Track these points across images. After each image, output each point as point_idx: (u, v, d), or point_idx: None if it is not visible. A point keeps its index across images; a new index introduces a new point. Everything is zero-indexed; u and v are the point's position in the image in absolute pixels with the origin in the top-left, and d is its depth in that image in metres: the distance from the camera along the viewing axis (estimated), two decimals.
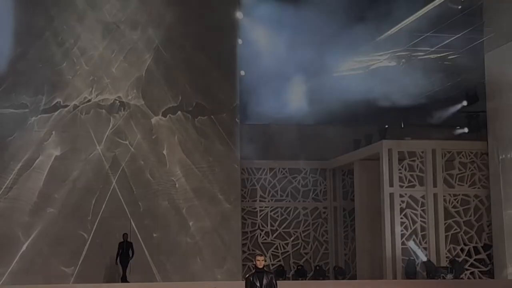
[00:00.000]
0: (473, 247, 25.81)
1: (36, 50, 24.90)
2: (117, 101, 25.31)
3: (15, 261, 23.93)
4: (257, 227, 28.60)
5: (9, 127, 24.56)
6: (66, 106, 24.93)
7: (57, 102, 24.90)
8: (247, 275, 13.25)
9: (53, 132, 24.78)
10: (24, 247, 24.08)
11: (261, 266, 12.69)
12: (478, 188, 26.02)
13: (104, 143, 25.02)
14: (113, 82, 25.37)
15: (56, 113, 24.84)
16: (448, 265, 24.79)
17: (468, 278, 25.15)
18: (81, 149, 24.84)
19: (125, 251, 23.57)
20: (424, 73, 26.58)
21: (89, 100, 25.12)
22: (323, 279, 27.58)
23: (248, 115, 28.23)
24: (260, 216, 28.69)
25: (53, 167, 24.57)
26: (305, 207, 29.06)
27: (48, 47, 25.02)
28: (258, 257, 12.97)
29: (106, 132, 25.11)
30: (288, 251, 28.75)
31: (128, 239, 23.78)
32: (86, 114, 25.04)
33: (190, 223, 25.14)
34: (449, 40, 25.07)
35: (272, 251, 28.56)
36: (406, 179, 25.29)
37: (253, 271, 12.91)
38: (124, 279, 23.38)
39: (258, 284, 12.61)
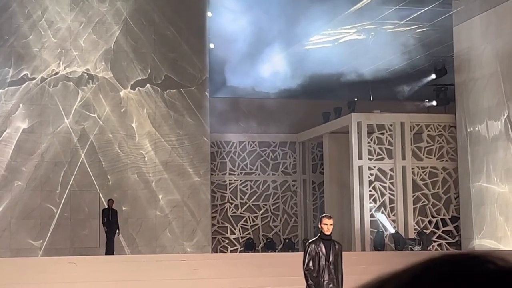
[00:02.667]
0: (441, 219, 25.99)
1: (3, 22, 24.52)
2: (85, 74, 25.06)
3: None
4: (226, 200, 28.58)
5: None
6: (33, 78, 24.62)
7: (24, 75, 24.58)
8: (309, 241, 10.86)
9: (21, 105, 24.48)
10: None
11: (328, 232, 10.37)
12: (446, 160, 26.15)
13: (72, 116, 24.77)
14: (81, 54, 25.09)
15: (23, 85, 24.53)
16: (416, 237, 24.91)
17: (436, 249, 25.32)
18: (49, 122, 24.57)
19: (110, 219, 23.21)
20: (393, 46, 26.58)
21: (57, 73, 24.83)
22: (293, 252, 27.63)
23: (217, 88, 28.11)
24: (229, 189, 28.67)
25: (20, 140, 24.29)
26: (275, 180, 29.07)
27: (15, 19, 24.65)
28: (326, 220, 10.50)
29: (74, 105, 24.86)
30: (257, 224, 28.78)
31: (113, 206, 23.39)
32: (54, 86, 24.76)
33: (160, 196, 25.06)
34: (418, 13, 25.04)
35: (242, 224, 28.57)
36: (375, 152, 25.33)
37: (317, 237, 10.62)
38: (110, 250, 22.88)
39: (324, 256, 10.26)
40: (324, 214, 10.98)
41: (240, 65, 26.84)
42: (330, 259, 10.25)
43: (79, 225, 24.27)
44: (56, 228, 24.10)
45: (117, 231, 23.25)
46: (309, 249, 10.31)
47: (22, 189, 24.10)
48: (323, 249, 10.23)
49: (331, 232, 10.44)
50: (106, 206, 23.44)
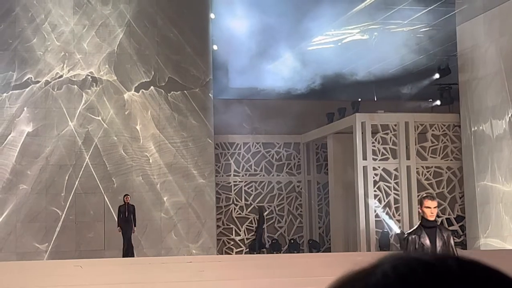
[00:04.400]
0: (446, 218, 25.95)
1: (6, 26, 24.57)
2: (89, 77, 25.09)
3: None
4: (231, 201, 28.54)
5: None
6: (37, 82, 24.66)
7: (28, 78, 24.62)
8: (408, 232, 9.01)
9: (25, 108, 24.52)
10: None
11: (432, 218, 8.50)
12: (451, 160, 26.11)
13: (76, 119, 24.81)
14: (85, 57, 25.12)
15: (27, 89, 24.58)
16: None
17: None
18: (53, 125, 24.61)
19: (126, 216, 22.86)
20: (397, 46, 26.55)
21: (61, 76, 24.87)
22: (298, 253, 27.61)
23: (221, 89, 28.10)
24: (234, 190, 28.63)
25: (25, 144, 24.34)
26: (279, 181, 29.03)
27: (18, 23, 24.69)
28: (429, 202, 8.45)
29: (78, 108, 24.90)
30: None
31: (130, 202, 22.97)
32: (58, 90, 24.80)
33: (165, 199, 25.08)
34: (422, 13, 25.03)
35: (247, 225, 28.53)
36: (379, 152, 25.28)
37: (417, 225, 8.85)
38: (129, 250, 22.59)
39: (429, 248, 8.31)
40: (425, 195, 9.10)
41: (243, 66, 26.85)
42: (437, 251, 8.25)
43: (85, 228, 24.31)
44: (62, 231, 24.15)
45: (133, 228, 22.75)
46: (409, 241, 8.46)
47: (27, 193, 24.14)
48: (427, 240, 8.41)
49: (435, 218, 8.51)
50: (123, 202, 23.03)
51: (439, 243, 8.34)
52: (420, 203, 8.65)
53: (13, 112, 24.42)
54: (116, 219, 23.05)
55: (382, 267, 1.14)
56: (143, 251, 24.14)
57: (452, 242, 8.49)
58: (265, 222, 24.77)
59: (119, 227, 22.84)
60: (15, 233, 23.92)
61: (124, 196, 23.17)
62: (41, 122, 24.55)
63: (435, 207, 8.52)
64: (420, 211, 8.62)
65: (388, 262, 1.14)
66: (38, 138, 24.43)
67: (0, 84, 24.41)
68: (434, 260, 1.15)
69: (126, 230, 22.74)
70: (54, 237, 24.08)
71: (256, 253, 24.45)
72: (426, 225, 8.47)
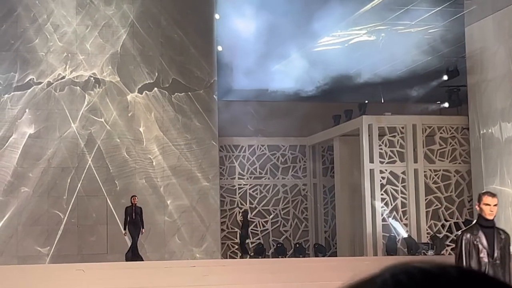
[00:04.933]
0: (454, 223, 25.87)
1: (8, 26, 24.61)
2: (92, 78, 25.12)
3: None
4: (236, 205, 28.55)
5: None
6: (39, 83, 24.69)
7: (30, 79, 24.65)
8: (463, 230, 8.31)
9: (27, 110, 24.55)
10: None
11: (491, 217, 7.75)
12: (459, 163, 26.07)
13: (79, 121, 24.84)
14: (88, 58, 25.16)
15: (29, 90, 24.60)
16: (429, 241, 24.84)
17: (449, 254, 25.24)
18: (55, 127, 24.64)
19: (134, 218, 22.65)
20: (404, 48, 26.53)
21: (63, 77, 24.90)
22: (303, 257, 27.59)
23: (226, 91, 28.11)
24: (239, 194, 28.64)
25: (27, 146, 24.36)
26: (285, 184, 29.03)
27: (20, 23, 24.73)
28: (489, 198, 7.67)
29: (81, 110, 24.93)
30: (267, 229, 28.74)
31: (137, 203, 22.74)
32: (60, 91, 24.83)
33: (168, 202, 25.08)
34: (430, 14, 25.01)
35: (251, 229, 28.52)
36: (386, 155, 25.26)
37: (473, 223, 8.11)
38: (135, 254, 22.42)
39: (485, 249, 7.62)
40: (485, 191, 8.40)
41: (248, 68, 26.86)
42: (495, 255, 7.72)
43: (87, 231, 24.33)
44: (64, 234, 24.17)
45: (141, 229, 22.49)
46: (463, 240, 7.73)
47: (28, 195, 24.17)
48: (484, 241, 7.70)
49: (495, 217, 7.71)
50: (130, 204, 22.82)
51: (497, 246, 7.71)
52: (479, 199, 7.90)
53: (15, 114, 24.46)
54: (123, 222, 22.78)
55: (383, 276, 1.19)
56: (146, 255, 24.11)
57: (509, 246, 7.88)
58: (249, 226, 24.69)
59: (125, 230, 22.62)
60: (16, 236, 23.94)
61: (132, 197, 23.00)
62: (43, 123, 24.58)
63: (495, 205, 7.78)
64: (478, 208, 7.93)
65: (389, 271, 1.19)
66: (40, 140, 24.45)
67: (2, 85, 24.45)
68: (434, 269, 1.18)
69: (134, 233, 22.53)
70: (56, 241, 24.09)
71: (241, 258, 24.33)
72: (484, 224, 7.78)
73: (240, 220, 28.17)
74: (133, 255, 22.48)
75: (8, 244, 23.86)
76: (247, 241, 25.07)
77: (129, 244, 23.20)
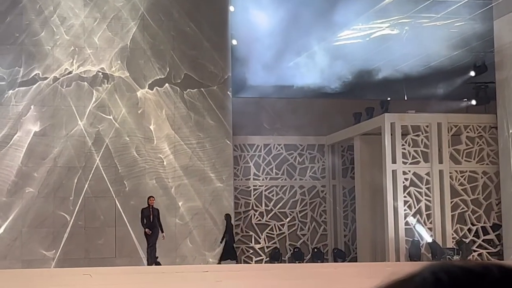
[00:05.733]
0: (481, 227, 25.85)
1: (13, 18, 24.74)
2: (100, 73, 25.23)
3: None
4: (250, 207, 28.60)
5: None
6: (45, 78, 24.82)
7: (35, 74, 24.79)
8: None
9: (32, 107, 24.69)
10: (1, 230, 24.09)
11: None
12: (487, 164, 26.04)
13: (86, 118, 24.96)
14: (96, 52, 25.27)
15: (34, 86, 24.75)
16: (454, 246, 24.83)
17: (476, 259, 25.21)
18: (62, 124, 24.77)
19: (151, 221, 22.57)
20: (429, 42, 26.50)
21: (70, 72, 25.03)
22: (322, 262, 27.62)
23: (240, 87, 28.16)
24: (254, 195, 28.67)
25: (32, 144, 24.50)
26: (302, 185, 29.05)
27: (26, 15, 24.87)
28: None
29: (88, 106, 25.05)
30: (284, 233, 28.76)
31: (154, 205, 22.71)
32: (67, 87, 24.95)
33: (180, 203, 25.16)
34: (456, 6, 24.98)
35: (267, 232, 28.57)
36: (409, 155, 25.25)
37: None
38: (152, 259, 22.36)
39: None
40: None
41: (264, 63, 26.89)
42: None
43: (94, 234, 24.45)
44: (70, 237, 24.29)
45: (160, 232, 22.36)
46: None
47: (33, 196, 24.31)
48: None
49: None
50: (146, 205, 22.84)
51: None
52: None
53: (19, 111, 24.60)
54: (141, 223, 22.66)
55: (422, 274, 1.23)
56: (156, 260, 24.19)
57: None
58: (233, 230, 24.66)
59: (147, 229, 22.38)
60: (20, 239, 24.08)
61: (148, 198, 23.05)
62: (48, 121, 24.71)
63: None
64: None
65: (428, 269, 1.23)
66: (45, 138, 24.59)
67: (6, 80, 24.59)
68: (476, 267, 1.21)
69: (151, 235, 22.44)
70: (62, 244, 24.23)
71: (220, 262, 24.27)
72: None
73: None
74: (152, 259, 22.40)
75: (12, 247, 24.00)
76: (234, 245, 24.96)
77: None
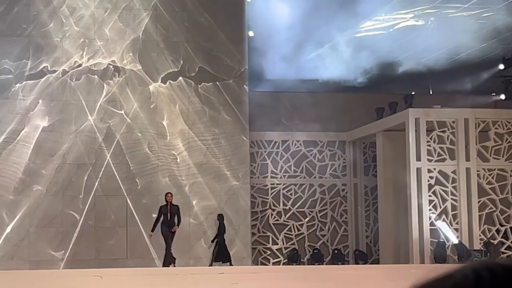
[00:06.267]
0: (510, 228, 25.80)
1: (20, 9, 24.79)
2: (111, 66, 25.26)
3: None
4: (268, 206, 28.60)
5: None
6: (54, 71, 24.87)
7: (44, 67, 24.84)
8: None
9: (40, 101, 24.74)
10: (8, 229, 24.11)
11: None
12: None
13: (96, 113, 25.00)
14: (107, 44, 25.30)
15: (43, 79, 24.79)
16: (482, 248, 24.77)
17: None
18: (71, 119, 24.81)
19: (169, 218, 22.45)
20: (456, 33, 26.39)
21: (80, 65, 25.06)
22: (342, 264, 27.59)
23: (257, 81, 28.13)
24: (271, 194, 28.68)
25: (40, 140, 24.54)
26: (322, 184, 29.03)
27: (33, 6, 24.92)
28: None
29: (99, 101, 25.09)
30: (302, 233, 28.77)
31: (172, 201, 22.61)
32: (76, 80, 25.00)
33: (194, 202, 25.19)
34: None
35: (285, 233, 28.57)
36: (435, 152, 25.21)
37: None
38: (169, 257, 22.30)
39: None
40: None
41: (282, 55, 26.86)
42: None
43: (105, 234, 24.47)
44: (80, 237, 24.32)
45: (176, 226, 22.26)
46: None
47: (42, 194, 24.35)
48: None
49: None
50: (165, 202, 22.74)
51: None
52: None
53: (27, 105, 24.65)
54: (154, 221, 22.57)
55: (463, 271, 1.28)
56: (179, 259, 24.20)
57: None
58: (225, 232, 24.53)
59: (153, 232, 22.37)
60: (28, 239, 24.12)
61: (166, 194, 22.99)
62: (57, 116, 24.75)
63: None
64: None
65: (470, 266, 1.29)
66: (54, 134, 24.63)
67: (13, 73, 24.65)
68: None
69: (169, 235, 22.29)
70: (71, 244, 24.26)
71: (217, 264, 24.19)
72: None
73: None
74: (169, 260, 22.33)
75: (19, 248, 24.06)
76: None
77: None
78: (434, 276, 1.32)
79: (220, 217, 24.73)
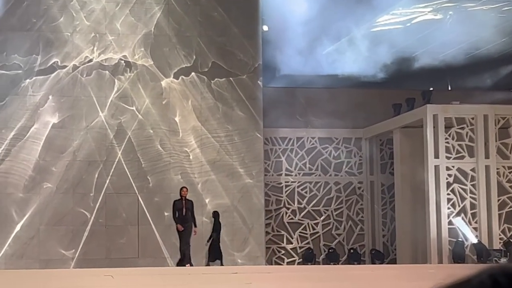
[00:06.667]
0: None
1: (30, 3, 24.89)
2: (123, 61, 25.33)
3: (7, 244, 24.10)
4: (282, 204, 28.62)
5: (0, 91, 24.58)
6: (64, 67, 24.96)
7: (54, 63, 24.94)
8: None
9: (50, 97, 24.84)
10: (18, 227, 24.23)
11: None
12: None
13: (107, 109, 25.08)
14: (118, 39, 25.37)
15: (53, 75, 24.89)
16: (502, 248, 24.71)
17: None
18: (81, 116, 24.90)
19: (184, 214, 22.46)
20: (475, 28, 26.35)
21: (91, 60, 25.15)
22: (358, 264, 27.61)
23: (272, 77, 28.16)
24: (286, 192, 28.70)
25: (50, 137, 24.65)
26: (338, 181, 29.03)
27: (44, 0, 24.98)
28: None
29: (110, 97, 25.17)
30: (317, 232, 28.79)
31: (187, 196, 22.50)
32: (87, 76, 25.08)
33: (206, 200, 25.22)
34: None
35: (300, 232, 28.59)
36: (453, 150, 25.18)
37: None
38: (186, 257, 22.16)
39: None
40: None
41: (297, 50, 26.87)
42: None
43: (116, 232, 24.56)
44: (90, 236, 24.42)
45: (194, 229, 22.19)
46: None
47: (52, 192, 24.46)
48: None
49: None
50: (179, 197, 22.73)
51: None
52: None
53: (37, 101, 24.75)
54: (173, 216, 22.53)
55: (480, 277, 1.28)
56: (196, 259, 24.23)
57: None
58: (221, 229, 24.48)
59: (178, 225, 22.17)
60: (38, 237, 24.23)
61: (181, 189, 22.95)
62: (68, 112, 24.85)
63: None
64: None
65: (486, 272, 1.29)
66: (64, 131, 24.74)
67: (23, 69, 24.75)
68: None
69: (184, 231, 22.26)
70: (81, 243, 24.36)
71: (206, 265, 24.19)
72: None
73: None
74: (185, 258, 22.29)
75: (29, 246, 24.17)
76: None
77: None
78: (450, 281, 1.31)
79: (216, 214, 24.69)
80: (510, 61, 28.59)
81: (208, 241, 24.47)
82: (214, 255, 24.15)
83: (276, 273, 19.44)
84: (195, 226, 22.44)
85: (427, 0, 26.12)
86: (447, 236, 24.68)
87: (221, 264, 23.79)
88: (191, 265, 22.24)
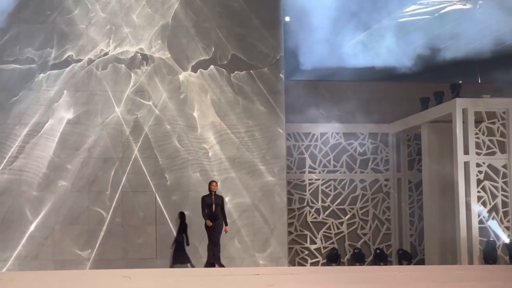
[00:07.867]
0: None
1: None
2: (139, 54, 25.43)
3: (21, 244, 24.32)
4: (305, 203, 28.66)
5: (13, 86, 24.83)
6: (79, 60, 25.11)
7: (68, 56, 25.09)
8: None
9: (65, 92, 25.00)
10: (32, 227, 24.45)
11: None
12: None
13: (124, 104, 25.21)
14: (134, 31, 25.48)
15: (67, 69, 25.04)
16: None
17: None
18: (97, 111, 25.05)
19: (214, 210, 22.43)
20: (507, 17, 26.29)
21: (106, 54, 25.28)
22: (385, 265, 27.64)
23: (294, 69, 28.19)
24: (309, 190, 28.72)
25: (64, 133, 24.83)
26: (363, 179, 29.05)
27: None
28: None
29: (126, 91, 25.29)
30: (342, 232, 28.82)
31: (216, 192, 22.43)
32: (102, 69, 25.20)
33: (226, 199, 25.14)
34: None
35: (324, 231, 28.62)
36: (484, 145, 25.17)
37: None
38: (215, 258, 22.17)
39: None
40: None
41: (321, 42, 26.89)
42: None
43: (133, 232, 24.75)
44: (106, 235, 24.60)
45: (225, 227, 22.28)
46: None
47: (66, 190, 24.66)
48: None
49: None
50: (208, 192, 22.69)
51: None
52: None
53: (51, 96, 24.95)
54: (202, 213, 22.52)
55: None
56: (201, 261, 24.38)
57: None
58: (186, 231, 24.42)
59: (207, 221, 21.99)
60: (52, 237, 24.46)
61: (210, 183, 22.80)
62: (83, 107, 25.04)
63: None
64: None
65: None
66: (79, 127, 24.92)
67: (36, 62, 24.94)
68: None
69: (214, 229, 22.24)
70: (98, 243, 24.54)
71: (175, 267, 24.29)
72: None
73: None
74: (212, 258, 22.42)
75: (43, 247, 24.40)
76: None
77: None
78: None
79: (182, 215, 24.62)
80: None
81: (172, 245, 24.49)
82: (179, 259, 24.04)
83: (299, 275, 19.50)
84: (226, 224, 22.65)
85: None
86: (477, 236, 24.63)
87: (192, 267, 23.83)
88: (221, 266, 22.33)
